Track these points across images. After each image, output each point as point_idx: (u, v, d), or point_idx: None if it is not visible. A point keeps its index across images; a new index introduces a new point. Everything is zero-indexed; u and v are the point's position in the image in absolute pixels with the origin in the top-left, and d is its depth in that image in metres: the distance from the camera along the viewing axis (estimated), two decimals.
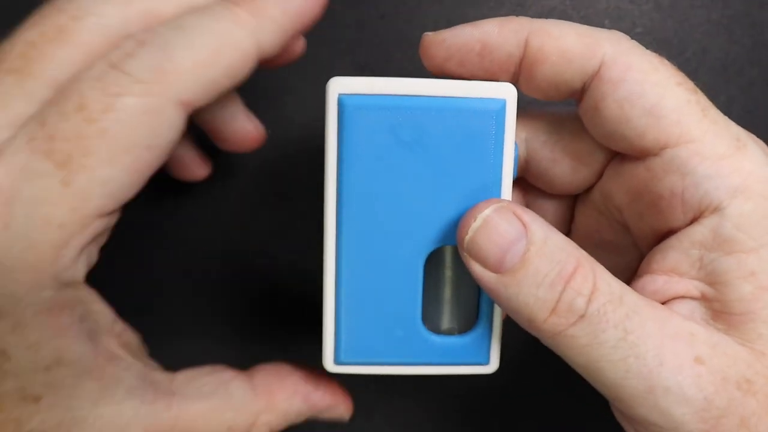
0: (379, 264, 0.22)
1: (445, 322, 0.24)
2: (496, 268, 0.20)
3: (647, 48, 0.30)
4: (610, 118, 0.22)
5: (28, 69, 0.19)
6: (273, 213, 0.31)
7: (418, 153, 0.22)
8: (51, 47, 0.20)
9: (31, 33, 0.20)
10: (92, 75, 0.19)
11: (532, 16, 0.30)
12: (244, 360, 0.25)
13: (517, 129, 0.26)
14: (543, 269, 0.20)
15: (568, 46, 0.22)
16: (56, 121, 0.18)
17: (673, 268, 0.22)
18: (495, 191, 0.22)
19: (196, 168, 0.27)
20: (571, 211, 0.27)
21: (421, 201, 0.22)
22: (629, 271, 0.26)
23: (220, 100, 0.24)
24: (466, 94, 0.22)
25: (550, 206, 0.27)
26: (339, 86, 0.22)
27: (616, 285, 0.21)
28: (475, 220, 0.21)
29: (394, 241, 0.22)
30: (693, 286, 0.22)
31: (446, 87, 0.22)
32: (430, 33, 0.23)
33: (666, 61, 0.22)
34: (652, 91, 0.22)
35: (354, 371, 0.23)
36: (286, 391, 0.24)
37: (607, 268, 0.26)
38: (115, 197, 0.19)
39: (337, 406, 0.25)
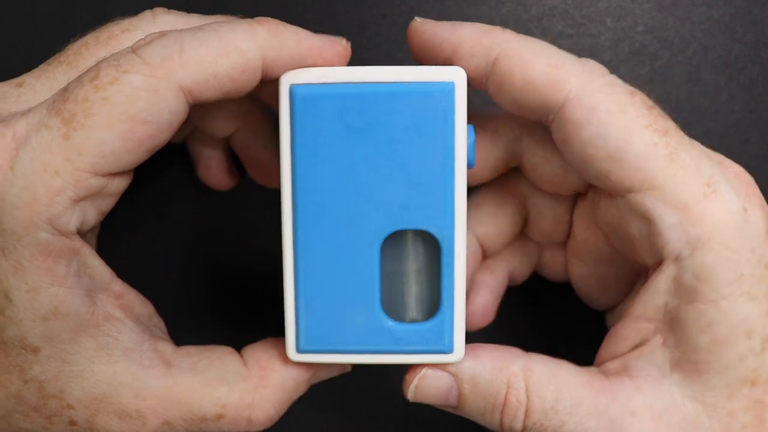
0: (336, 251, 0.23)
1: (408, 311, 0.24)
2: (446, 407, 0.23)
3: (648, 47, 0.30)
4: (575, 156, 0.22)
5: (76, 62, 0.23)
6: (273, 211, 0.31)
7: (369, 139, 0.22)
8: (98, 48, 0.24)
9: (89, 37, 0.24)
10: (115, 55, 0.21)
11: (533, 15, 0.30)
12: None
13: (512, 126, 0.26)
14: (479, 404, 0.23)
15: (535, 75, 0.22)
16: (74, 86, 0.21)
17: (642, 313, 0.23)
18: (448, 174, 0.22)
19: (219, 173, 0.29)
20: (570, 214, 0.27)
21: (374, 186, 0.22)
22: (628, 285, 0.26)
23: (252, 131, 0.27)
24: (415, 78, 0.22)
25: (549, 206, 0.27)
26: (291, 77, 0.22)
27: (550, 392, 0.22)
28: (413, 381, 0.23)
29: (349, 228, 0.22)
30: (657, 333, 0.22)
31: (395, 73, 0.22)
32: (418, 19, 0.24)
33: (638, 99, 0.22)
34: (616, 135, 0.21)
35: (316, 360, 0.23)
36: (275, 362, 0.24)
37: (605, 279, 0.27)
38: (108, 160, 0.21)
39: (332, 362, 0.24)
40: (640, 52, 0.30)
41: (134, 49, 0.21)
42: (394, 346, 0.23)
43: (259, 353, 0.24)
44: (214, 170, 0.29)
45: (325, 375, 0.25)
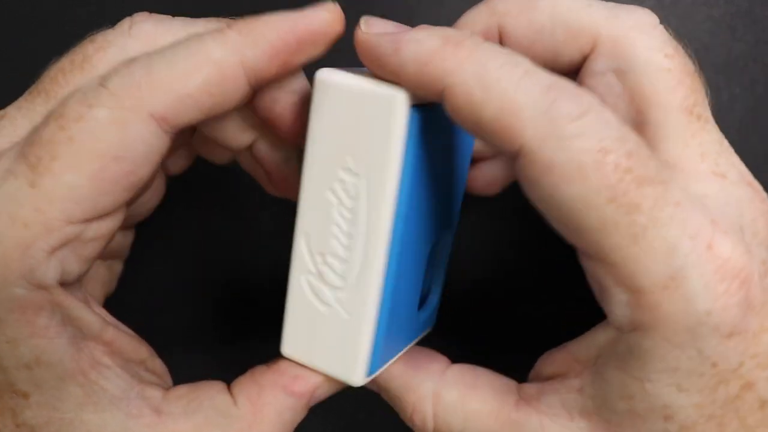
0: (406, 264, 0.22)
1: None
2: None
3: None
4: (536, 204, 0.19)
5: (53, 91, 0.22)
6: (273, 213, 0.31)
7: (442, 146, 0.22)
8: (74, 74, 0.22)
9: (64, 61, 0.22)
10: (83, 89, 0.20)
11: None
12: (249, 363, 0.24)
13: None
14: (393, 406, 0.23)
15: (484, 120, 0.18)
16: (41, 127, 0.20)
17: (576, 352, 0.22)
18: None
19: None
20: None
21: (429, 191, 0.22)
22: None
23: (273, 141, 0.25)
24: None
25: None
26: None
27: (457, 422, 0.23)
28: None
29: (415, 241, 0.22)
30: (579, 377, 0.21)
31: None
32: (362, 27, 0.20)
33: (612, 159, 0.18)
34: (570, 205, 0.18)
35: (376, 374, 0.23)
36: (266, 395, 0.23)
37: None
38: (82, 205, 0.20)
39: (328, 381, 0.23)
40: None
41: (101, 81, 0.20)
42: (416, 334, 0.24)
43: (247, 388, 0.23)
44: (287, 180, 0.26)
45: (323, 394, 0.24)
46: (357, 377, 0.22)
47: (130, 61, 0.20)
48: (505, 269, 0.31)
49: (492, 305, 0.31)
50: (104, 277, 0.27)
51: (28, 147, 0.20)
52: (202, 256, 0.31)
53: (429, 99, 0.19)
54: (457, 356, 0.24)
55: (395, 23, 0.21)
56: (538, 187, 0.18)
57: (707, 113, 0.21)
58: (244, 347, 0.30)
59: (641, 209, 0.18)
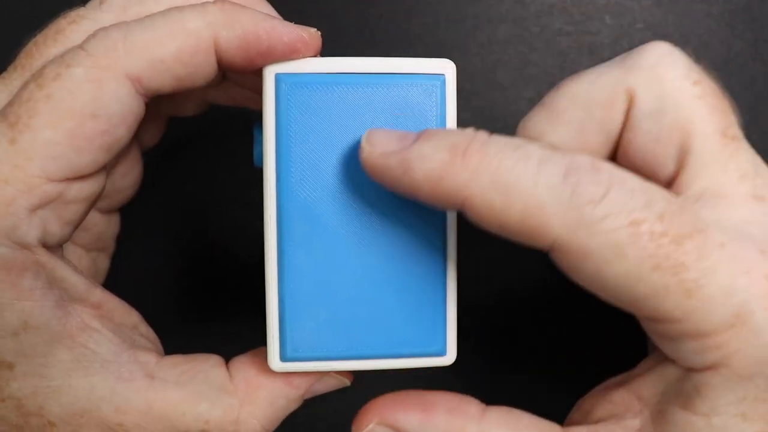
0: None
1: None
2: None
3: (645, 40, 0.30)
4: (584, 286, 0.20)
5: (28, 65, 0.22)
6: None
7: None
8: (47, 46, 0.22)
9: (39, 36, 0.23)
10: (63, 53, 0.21)
11: (532, 13, 0.30)
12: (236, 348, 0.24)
13: None
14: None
15: (511, 225, 0.18)
16: (20, 89, 0.20)
17: (637, 390, 0.21)
18: None
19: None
20: None
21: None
22: None
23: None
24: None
25: None
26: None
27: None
28: None
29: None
30: (639, 416, 0.21)
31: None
32: (365, 147, 0.20)
33: (645, 229, 0.18)
34: (615, 284, 0.18)
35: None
36: (263, 379, 0.23)
37: None
38: (60, 162, 0.20)
39: (330, 376, 0.24)
40: None
41: (81, 45, 0.21)
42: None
43: (246, 367, 0.23)
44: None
45: (321, 389, 0.23)
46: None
47: (109, 27, 0.21)
48: (507, 297, 0.31)
49: (503, 331, 0.31)
50: (89, 270, 0.27)
51: (8, 107, 0.20)
52: (189, 243, 0.31)
53: (449, 209, 0.19)
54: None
55: (398, 132, 0.20)
56: (579, 273, 0.18)
57: (739, 132, 0.21)
58: (236, 344, 0.30)
59: (687, 266, 0.18)
